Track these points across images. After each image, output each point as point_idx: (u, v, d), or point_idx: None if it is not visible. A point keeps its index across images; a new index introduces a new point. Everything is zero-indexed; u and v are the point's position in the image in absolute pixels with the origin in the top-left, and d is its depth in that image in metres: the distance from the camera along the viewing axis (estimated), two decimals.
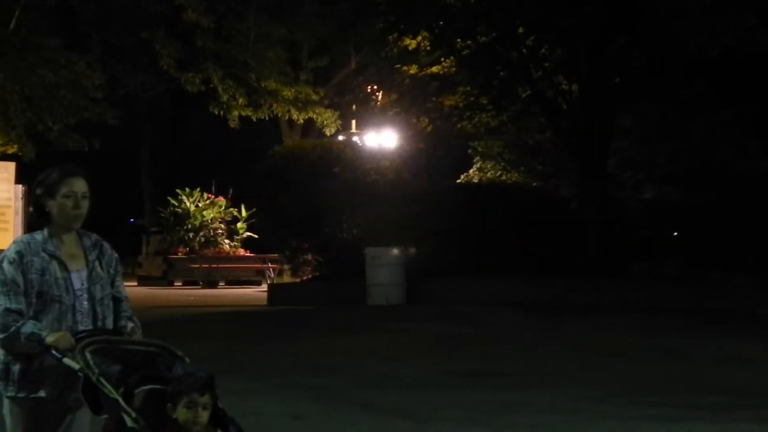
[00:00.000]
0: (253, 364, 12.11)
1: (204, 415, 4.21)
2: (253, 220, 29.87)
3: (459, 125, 23.61)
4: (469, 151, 29.82)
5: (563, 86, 21.43)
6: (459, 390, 10.38)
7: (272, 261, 29.45)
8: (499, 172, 29.66)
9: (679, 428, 8.39)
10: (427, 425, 8.64)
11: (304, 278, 23.00)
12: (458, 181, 29.40)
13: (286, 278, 27.15)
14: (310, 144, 24.85)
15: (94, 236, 4.79)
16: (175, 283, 31.55)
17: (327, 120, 31.31)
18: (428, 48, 22.45)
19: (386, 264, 20.06)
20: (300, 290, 22.14)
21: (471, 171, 30.71)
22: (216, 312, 20.40)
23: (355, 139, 29.42)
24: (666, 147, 21.83)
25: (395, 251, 20.18)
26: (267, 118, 31.81)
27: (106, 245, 4.80)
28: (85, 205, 4.65)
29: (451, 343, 14.40)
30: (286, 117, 32.14)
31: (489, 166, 30.23)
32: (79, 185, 4.64)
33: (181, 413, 4.19)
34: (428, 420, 8.81)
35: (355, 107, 32.32)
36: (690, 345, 13.97)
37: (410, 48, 23.26)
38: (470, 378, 11.13)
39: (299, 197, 21.18)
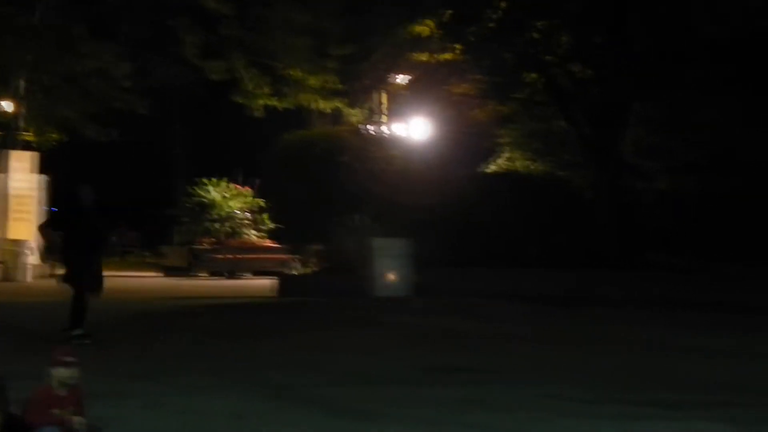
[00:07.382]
0: (221, 358, 11.79)
1: None
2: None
3: (470, 114, 23.14)
4: (497, 140, 29.26)
5: (577, 73, 20.82)
6: (424, 386, 9.95)
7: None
8: (526, 162, 29.10)
9: (630, 427, 7.93)
10: (371, 425, 8.23)
11: (313, 270, 22.67)
12: (486, 171, 28.84)
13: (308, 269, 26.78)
14: (318, 132, 24.50)
15: None
16: (200, 275, 31.32)
17: (353, 109, 30.90)
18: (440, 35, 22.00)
19: (393, 255, 19.65)
20: (308, 281, 21.76)
21: (500, 161, 30.13)
22: (219, 304, 20.08)
23: (368, 127, 28.97)
24: (683, 133, 21.12)
25: (402, 242, 19.74)
26: (292, 107, 31.49)
27: None
28: None
29: (442, 337, 14.01)
30: (313, 106, 31.78)
31: (517, 155, 29.67)
32: None
33: None
34: (375, 419, 8.38)
35: (372, 94, 31.72)
36: (690, 339, 13.51)
37: (423, 35, 22.81)
38: (442, 373, 10.73)
39: (307, 185, 20.85)
